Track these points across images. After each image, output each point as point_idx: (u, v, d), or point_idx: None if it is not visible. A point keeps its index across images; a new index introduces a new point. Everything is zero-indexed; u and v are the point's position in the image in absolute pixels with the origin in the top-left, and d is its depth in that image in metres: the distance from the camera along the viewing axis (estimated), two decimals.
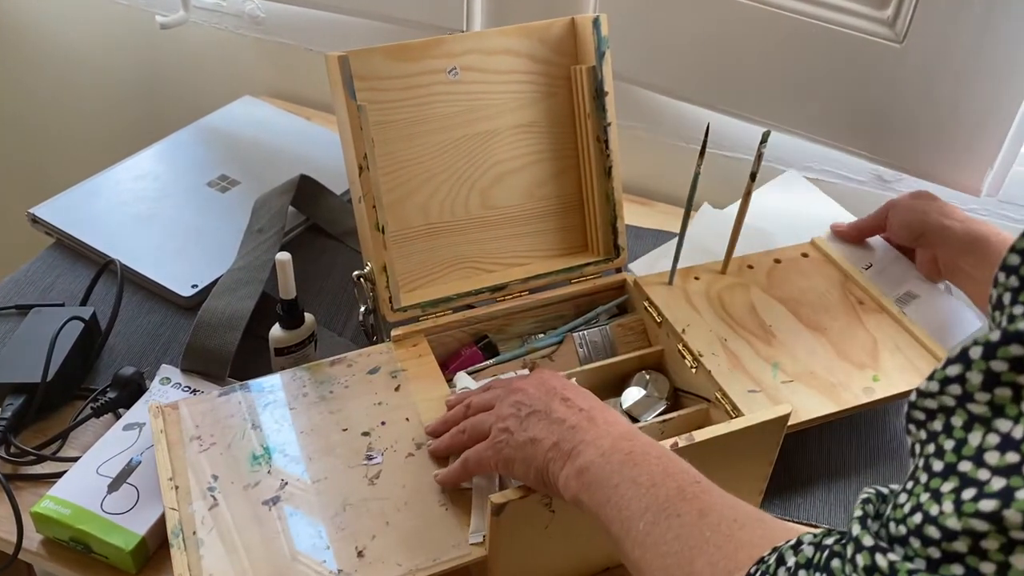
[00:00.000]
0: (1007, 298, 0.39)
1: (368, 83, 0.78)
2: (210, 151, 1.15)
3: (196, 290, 0.94)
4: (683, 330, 0.80)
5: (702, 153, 0.79)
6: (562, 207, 0.88)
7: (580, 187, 0.88)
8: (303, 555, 0.63)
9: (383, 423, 0.72)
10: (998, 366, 0.37)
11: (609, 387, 0.81)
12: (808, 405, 0.76)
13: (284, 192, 1.02)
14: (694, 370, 0.78)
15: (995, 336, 0.37)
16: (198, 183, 1.09)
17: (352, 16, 1.16)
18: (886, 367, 0.80)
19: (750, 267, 0.89)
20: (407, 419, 0.73)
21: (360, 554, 0.63)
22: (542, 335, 0.84)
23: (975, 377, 0.37)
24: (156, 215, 1.04)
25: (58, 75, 1.48)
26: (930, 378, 0.40)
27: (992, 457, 0.36)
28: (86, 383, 0.86)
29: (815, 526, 0.78)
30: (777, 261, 0.90)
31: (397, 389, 0.75)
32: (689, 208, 0.83)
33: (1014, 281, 0.38)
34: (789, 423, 0.70)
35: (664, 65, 1.04)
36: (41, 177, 1.62)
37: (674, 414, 0.77)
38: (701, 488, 0.52)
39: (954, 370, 0.38)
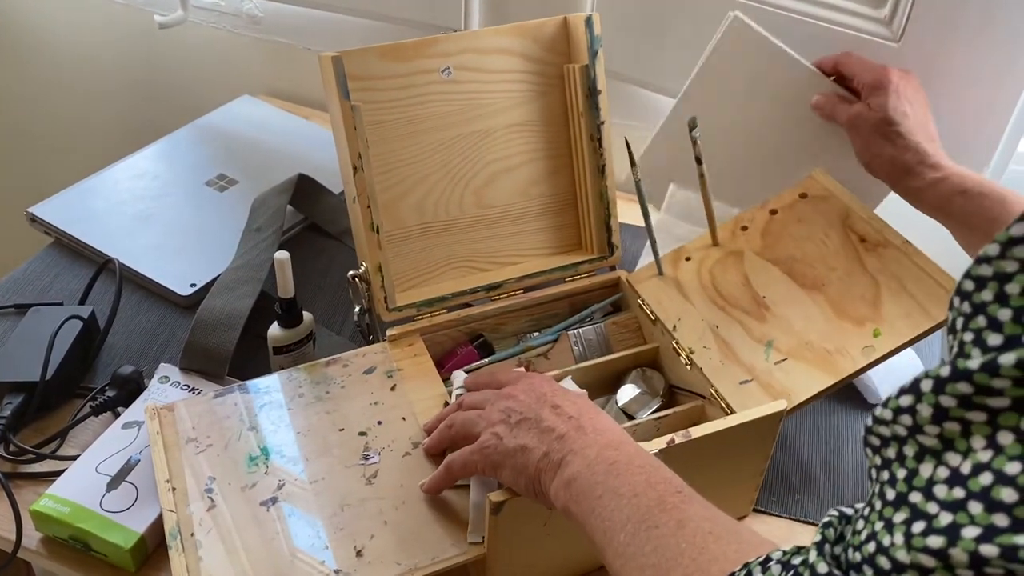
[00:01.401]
0: (959, 323, 0.39)
1: (362, 83, 0.78)
2: (208, 150, 1.16)
3: (195, 289, 0.95)
4: (674, 327, 0.80)
5: (632, 163, 0.81)
6: (556, 206, 0.88)
7: (574, 186, 0.88)
8: (302, 555, 0.64)
9: (379, 423, 0.73)
10: (947, 401, 0.37)
11: (604, 385, 0.81)
12: (803, 383, 0.74)
13: (282, 191, 1.02)
14: (688, 367, 0.79)
15: (945, 371, 0.37)
16: (197, 182, 1.10)
17: (350, 16, 1.17)
18: (888, 315, 0.76)
19: (744, 228, 0.86)
20: (403, 418, 0.73)
21: (359, 553, 0.64)
22: (537, 333, 0.84)
23: (925, 410, 0.38)
24: (155, 214, 1.04)
25: (56, 75, 1.48)
26: (884, 405, 0.40)
27: (941, 491, 0.37)
28: (85, 382, 0.86)
29: (813, 523, 0.78)
30: (773, 212, 0.87)
31: (393, 389, 0.75)
32: (645, 209, 0.83)
33: (967, 307, 0.38)
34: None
35: (660, 63, 1.05)
36: (39, 176, 1.62)
37: (669, 411, 0.77)
38: (681, 498, 0.53)
39: (906, 400, 0.39)
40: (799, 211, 0.86)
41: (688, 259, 0.86)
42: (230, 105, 1.25)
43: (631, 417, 0.78)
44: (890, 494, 0.39)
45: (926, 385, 0.38)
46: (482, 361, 0.81)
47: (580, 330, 0.84)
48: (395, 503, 0.67)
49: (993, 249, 0.37)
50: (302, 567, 0.63)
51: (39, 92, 1.53)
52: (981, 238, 0.75)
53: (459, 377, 0.76)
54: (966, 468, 0.36)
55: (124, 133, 1.48)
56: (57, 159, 1.59)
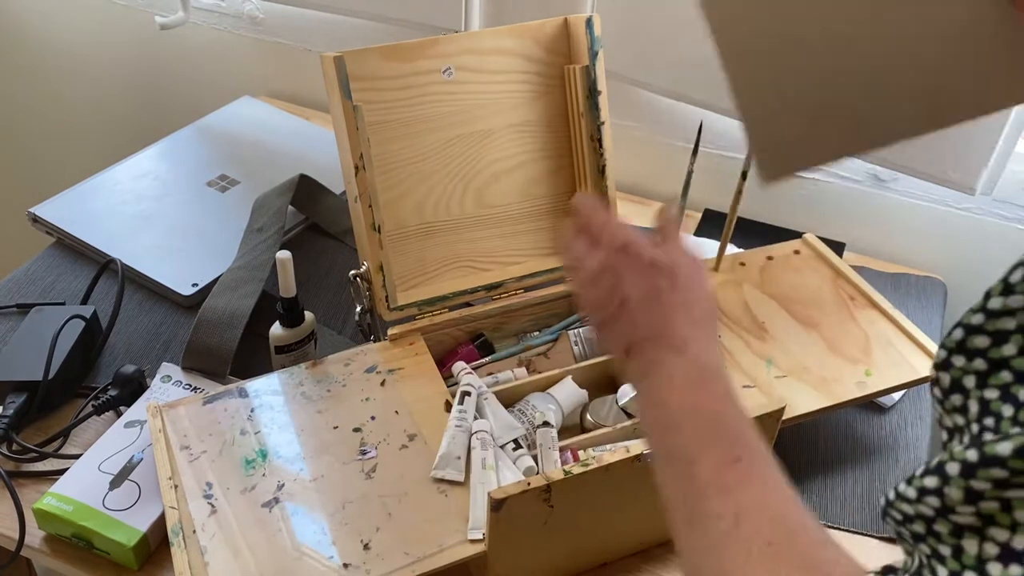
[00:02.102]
0: (971, 382, 0.37)
1: (364, 83, 0.78)
2: (210, 151, 1.16)
3: (196, 289, 0.95)
4: None
5: (695, 151, 0.80)
6: (556, 206, 0.88)
7: (574, 186, 0.88)
8: (309, 552, 0.64)
9: (373, 418, 0.73)
10: (980, 485, 0.35)
11: (605, 384, 0.82)
12: (802, 399, 0.77)
13: (284, 192, 1.03)
14: None
15: (973, 456, 0.35)
16: (198, 183, 1.10)
17: (351, 17, 1.17)
18: (879, 362, 0.81)
19: (742, 264, 0.90)
20: (396, 412, 0.74)
21: (366, 546, 0.64)
22: (537, 333, 0.85)
23: (955, 493, 0.36)
24: (156, 214, 1.05)
25: (58, 76, 1.49)
26: (908, 483, 0.38)
27: (995, 568, 0.35)
28: (87, 382, 0.86)
29: None
30: (769, 258, 0.91)
31: (383, 384, 0.76)
32: (683, 205, 0.83)
33: (981, 364, 0.37)
34: (783, 417, 0.71)
35: (659, 65, 1.05)
36: (42, 177, 1.63)
37: None
38: (738, 475, 0.46)
39: (931, 482, 0.37)
40: (793, 263, 0.91)
41: None
42: (231, 106, 1.26)
43: (631, 416, 0.78)
44: (942, 572, 0.37)
45: (952, 468, 0.36)
46: (483, 360, 0.81)
47: (580, 329, 0.84)
48: (397, 496, 0.68)
49: (1017, 301, 0.36)
50: (310, 564, 0.63)
51: (40, 93, 1.53)
52: None
53: (461, 369, 0.77)
54: (1019, 544, 0.35)
55: (125, 134, 1.48)
56: (59, 160, 1.60)
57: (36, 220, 1.02)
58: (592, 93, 0.84)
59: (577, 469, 0.64)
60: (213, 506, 0.67)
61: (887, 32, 0.55)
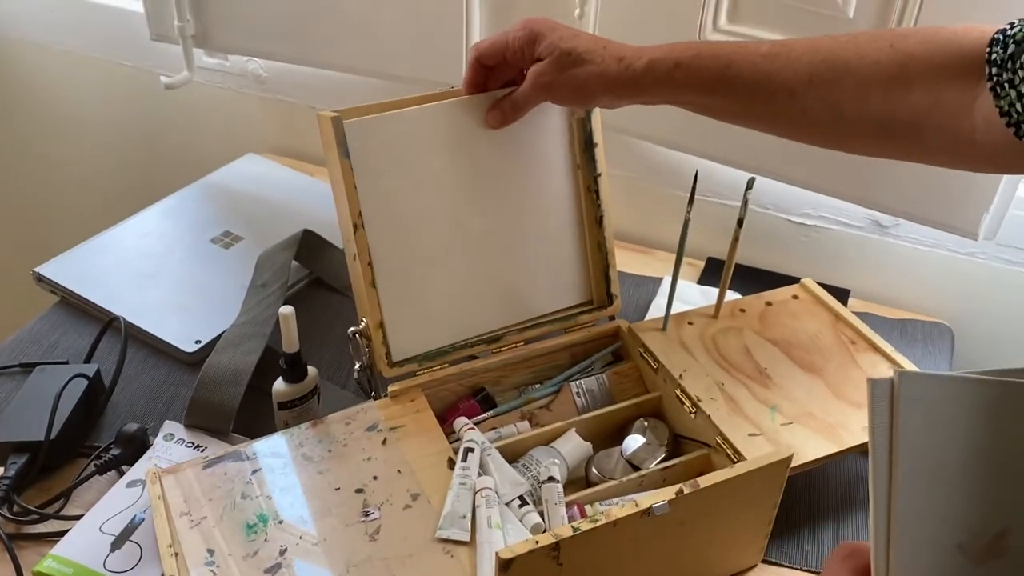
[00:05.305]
0: None
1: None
2: (214, 208, 1.17)
3: (200, 346, 0.95)
4: (680, 375, 0.81)
5: (691, 200, 0.81)
6: None
7: None
8: None
9: (375, 478, 0.72)
10: None
11: (609, 435, 0.81)
12: (809, 447, 0.76)
13: (287, 247, 1.03)
14: (693, 415, 0.78)
15: None
16: (202, 240, 1.11)
17: (353, 75, 1.19)
18: None
19: (742, 310, 0.90)
20: (399, 471, 0.73)
21: None
22: (539, 385, 0.84)
23: None
24: (160, 272, 1.05)
25: (64, 135, 1.51)
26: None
27: None
28: (90, 440, 0.86)
29: None
30: (768, 304, 0.91)
31: (384, 443, 0.75)
32: (680, 254, 0.83)
33: None
34: (792, 465, 0.70)
35: (655, 115, 1.05)
36: (46, 236, 1.64)
37: (675, 460, 0.77)
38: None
39: None
40: (792, 308, 0.91)
41: (691, 323, 0.87)
42: (235, 163, 1.27)
43: (637, 468, 0.77)
44: None
45: None
46: (485, 414, 0.81)
47: (582, 381, 0.84)
48: (402, 558, 0.66)
49: None
50: None
51: (46, 152, 1.55)
52: (723, 97, 0.74)
53: (464, 424, 0.76)
54: None
55: (130, 192, 1.49)
56: (63, 219, 1.61)
57: (40, 279, 1.03)
58: (588, 145, 0.85)
59: (585, 525, 0.63)
60: (215, 573, 0.66)
61: None
